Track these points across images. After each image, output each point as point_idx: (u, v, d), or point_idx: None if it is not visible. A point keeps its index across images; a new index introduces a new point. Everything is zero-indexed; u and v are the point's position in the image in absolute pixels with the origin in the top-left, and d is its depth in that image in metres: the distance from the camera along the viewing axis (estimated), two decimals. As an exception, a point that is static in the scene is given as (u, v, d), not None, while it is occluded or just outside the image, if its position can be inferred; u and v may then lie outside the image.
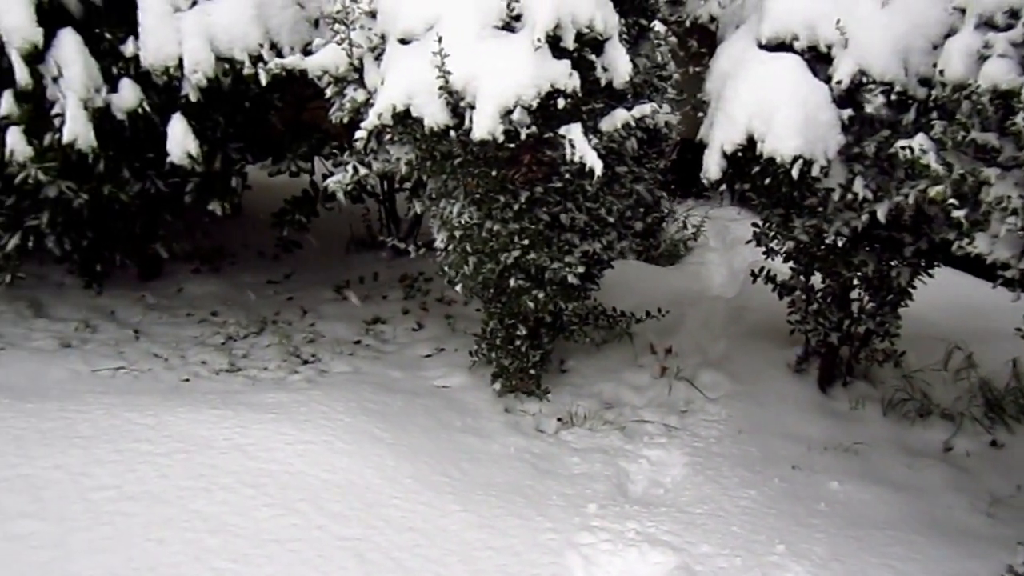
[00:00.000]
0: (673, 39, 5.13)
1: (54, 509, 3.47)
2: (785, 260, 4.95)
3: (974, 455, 4.55)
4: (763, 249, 4.94)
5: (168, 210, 5.83)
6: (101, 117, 4.56)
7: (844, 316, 4.81)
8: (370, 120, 3.89)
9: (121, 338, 5.58)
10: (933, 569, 3.58)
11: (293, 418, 4.33)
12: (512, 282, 4.40)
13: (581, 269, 4.42)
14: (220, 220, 6.23)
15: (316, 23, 4.84)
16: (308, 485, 3.79)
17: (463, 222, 4.21)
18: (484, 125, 3.76)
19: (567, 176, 4.18)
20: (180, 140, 4.68)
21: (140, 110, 4.68)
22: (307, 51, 4.74)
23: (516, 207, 4.13)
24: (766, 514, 3.97)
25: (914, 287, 4.67)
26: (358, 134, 3.99)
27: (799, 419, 4.83)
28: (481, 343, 5.14)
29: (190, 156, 4.69)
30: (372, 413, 4.56)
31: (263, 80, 4.64)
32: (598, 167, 3.82)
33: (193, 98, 4.68)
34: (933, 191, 3.30)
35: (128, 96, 4.65)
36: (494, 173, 4.02)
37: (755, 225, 4.91)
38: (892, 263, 4.52)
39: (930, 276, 4.68)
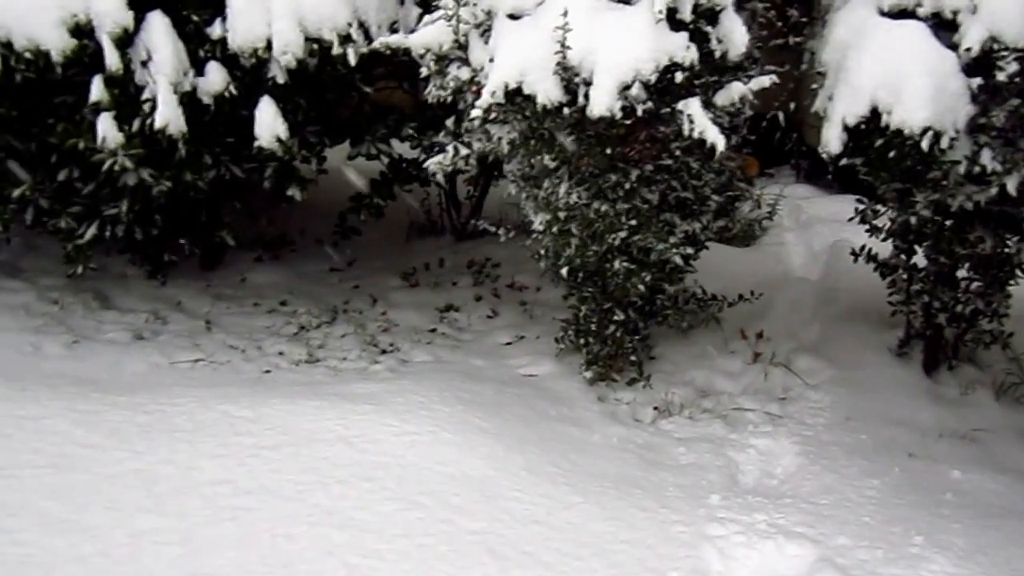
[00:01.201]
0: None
1: (172, 504, 3.34)
2: (886, 238, 4.79)
3: (1097, 440, 4.39)
4: (866, 227, 4.78)
5: (237, 197, 5.66)
6: (187, 102, 4.40)
7: (953, 296, 4.64)
8: (484, 99, 3.74)
9: (193, 329, 5.44)
10: (1081, 559, 3.42)
11: (393, 409, 4.19)
12: (616, 264, 4.24)
13: (689, 250, 4.27)
14: (276, 208, 6.10)
15: (402, 1, 4.68)
16: (424, 478, 3.65)
17: (571, 203, 4.05)
18: (602, 101, 3.61)
19: (677, 153, 4.02)
20: (269, 124, 4.52)
21: (227, 94, 4.52)
22: (393, 29, 4.60)
23: (627, 186, 3.97)
24: (895, 504, 3.81)
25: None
26: (474, 113, 3.83)
27: (907, 405, 4.67)
28: (568, 330, 5.00)
29: (279, 140, 4.54)
30: (468, 403, 4.41)
31: (352, 60, 4.48)
32: (720, 142, 3.67)
33: (281, 80, 4.53)
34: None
35: (215, 79, 4.50)
36: (608, 151, 3.86)
37: (860, 201, 4.76)
38: (1008, 240, 4.35)
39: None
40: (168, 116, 4.26)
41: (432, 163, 4.36)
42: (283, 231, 6.61)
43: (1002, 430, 4.51)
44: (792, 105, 5.33)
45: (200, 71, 4.53)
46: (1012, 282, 4.66)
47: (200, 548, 3.13)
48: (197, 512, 3.32)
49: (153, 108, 4.30)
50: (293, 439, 3.86)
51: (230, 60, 4.54)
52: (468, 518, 3.40)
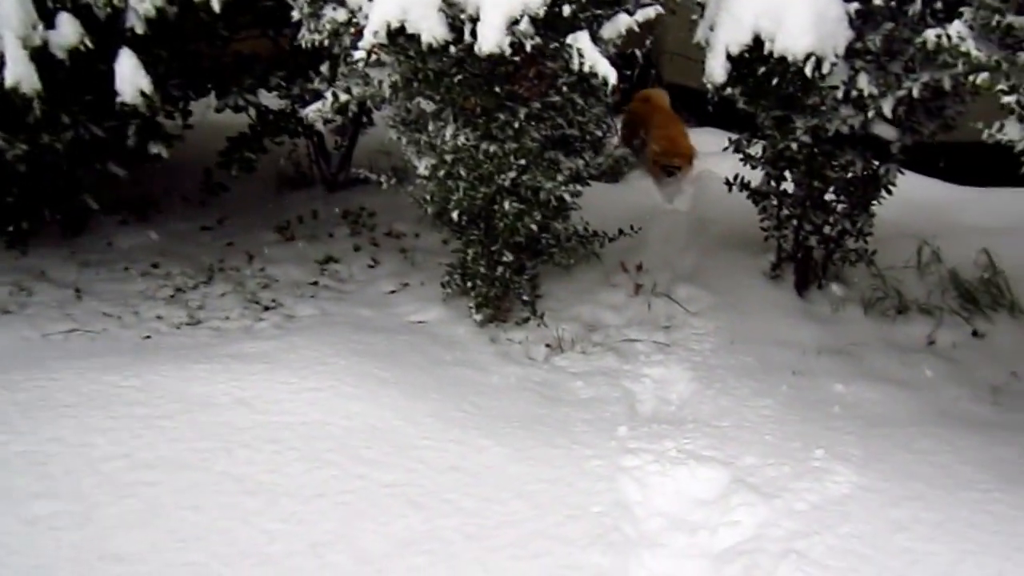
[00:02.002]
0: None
1: (67, 486, 3.16)
2: (757, 167, 4.93)
3: (959, 346, 4.66)
4: (740, 156, 4.90)
5: (97, 158, 5.33)
6: (39, 58, 4.07)
7: (824, 218, 4.82)
8: (366, 39, 3.61)
9: (62, 299, 5.14)
10: (966, 458, 3.61)
11: (288, 366, 4.08)
12: (507, 205, 4.21)
13: (577, 187, 4.27)
14: (139, 168, 5.79)
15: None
16: (331, 434, 3.57)
17: (458, 145, 3.98)
18: (490, 37, 3.55)
19: (564, 89, 3.99)
20: (130, 77, 4.25)
21: (82, 47, 4.20)
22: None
23: (516, 125, 3.93)
24: (791, 420, 3.96)
25: (895, 185, 4.72)
26: (357, 55, 3.69)
27: (784, 325, 4.85)
28: (454, 274, 4.96)
29: (143, 94, 4.27)
30: (363, 354, 4.33)
31: (216, 7, 4.24)
32: (612, 75, 3.67)
33: (140, 30, 4.24)
34: (979, 79, 3.26)
35: (68, 32, 4.17)
36: (496, 89, 3.80)
37: (734, 133, 4.86)
38: (876, 162, 4.54)
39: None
40: (19, 74, 3.94)
41: (310, 111, 4.20)
42: (147, 191, 6.28)
43: (874, 343, 4.73)
44: (649, 41, 5.36)
45: (50, 23, 4.19)
46: (875, 203, 4.88)
47: (103, 529, 2.97)
48: (94, 491, 3.15)
49: (1, 65, 3.96)
50: (187, 406, 3.70)
51: (83, 11, 4.22)
52: (383, 471, 3.35)
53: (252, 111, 5.47)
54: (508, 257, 4.60)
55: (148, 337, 4.75)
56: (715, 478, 3.50)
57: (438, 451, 3.52)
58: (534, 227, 4.28)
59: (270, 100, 5.69)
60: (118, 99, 4.32)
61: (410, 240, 5.96)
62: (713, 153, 6.36)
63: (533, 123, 4.04)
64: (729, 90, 4.31)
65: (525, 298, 4.71)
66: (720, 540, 3.20)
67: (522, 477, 3.41)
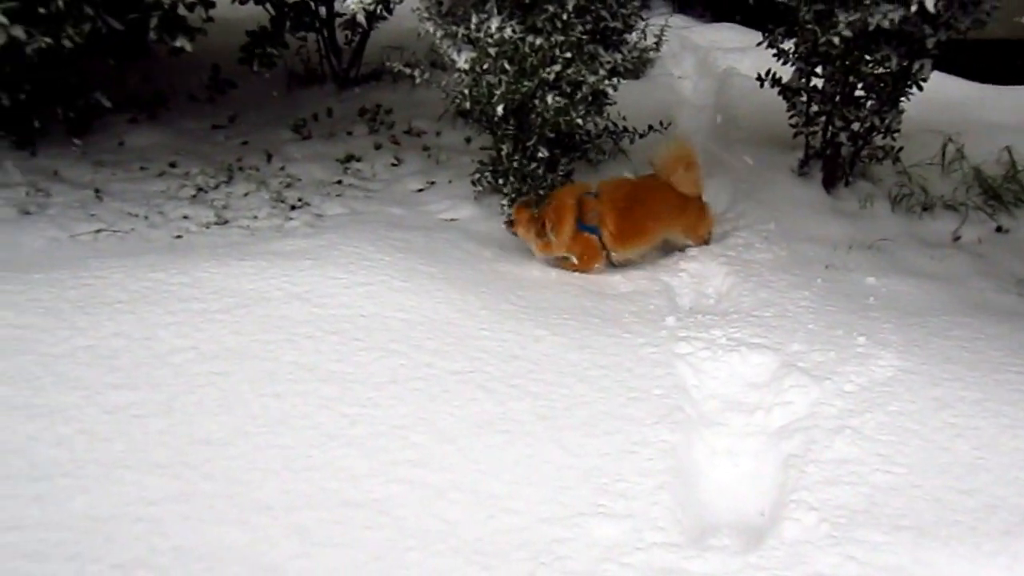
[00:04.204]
0: None
1: (140, 377, 3.18)
2: (788, 63, 4.92)
3: (985, 241, 4.78)
4: (773, 52, 4.89)
5: (110, 53, 5.21)
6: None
7: (855, 115, 4.85)
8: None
9: (83, 199, 5.09)
10: (997, 345, 3.73)
11: (334, 262, 4.08)
12: (549, 99, 4.19)
13: (617, 81, 4.25)
14: (144, 64, 5.68)
15: None
16: (390, 326, 3.60)
17: (504, 37, 3.94)
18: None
19: (611, -20, 3.95)
20: (156, -35, 4.13)
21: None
22: None
23: (564, 17, 3.89)
24: (830, 311, 4.04)
25: (926, 80, 4.74)
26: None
27: (814, 221, 4.93)
28: (484, 171, 4.96)
29: (167, -16, 4.16)
30: (405, 251, 4.35)
31: None
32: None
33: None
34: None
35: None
36: (548, -21, 3.75)
37: (768, 29, 4.83)
38: (910, 58, 4.56)
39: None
40: (42, -37, 3.82)
41: (351, 2, 4.11)
42: (156, 89, 6.17)
43: (901, 238, 4.83)
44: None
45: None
46: (903, 99, 4.91)
47: (187, 416, 3.01)
48: (169, 382, 3.17)
49: (22, -46, 3.85)
50: (242, 300, 3.71)
51: None
52: (448, 359, 3.40)
53: (269, 5, 5.32)
54: (544, 153, 4.59)
55: (179, 236, 4.73)
56: (765, 363, 3.60)
57: (497, 341, 3.58)
58: (580, 121, 4.26)
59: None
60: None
61: (432, 138, 5.93)
62: (735, 48, 6.34)
63: (578, 16, 3.99)
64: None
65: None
66: (775, 419, 3.31)
67: (582, 364, 3.48)
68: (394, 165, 5.68)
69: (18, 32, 4.26)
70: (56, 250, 4.51)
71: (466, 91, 4.37)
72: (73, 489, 2.69)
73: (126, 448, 2.85)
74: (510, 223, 4.46)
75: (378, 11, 6.03)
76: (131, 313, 3.59)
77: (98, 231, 4.70)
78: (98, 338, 3.41)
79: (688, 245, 4.58)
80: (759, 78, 5.08)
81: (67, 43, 4.56)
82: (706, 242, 4.62)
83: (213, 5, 5.17)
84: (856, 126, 4.93)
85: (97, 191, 5.17)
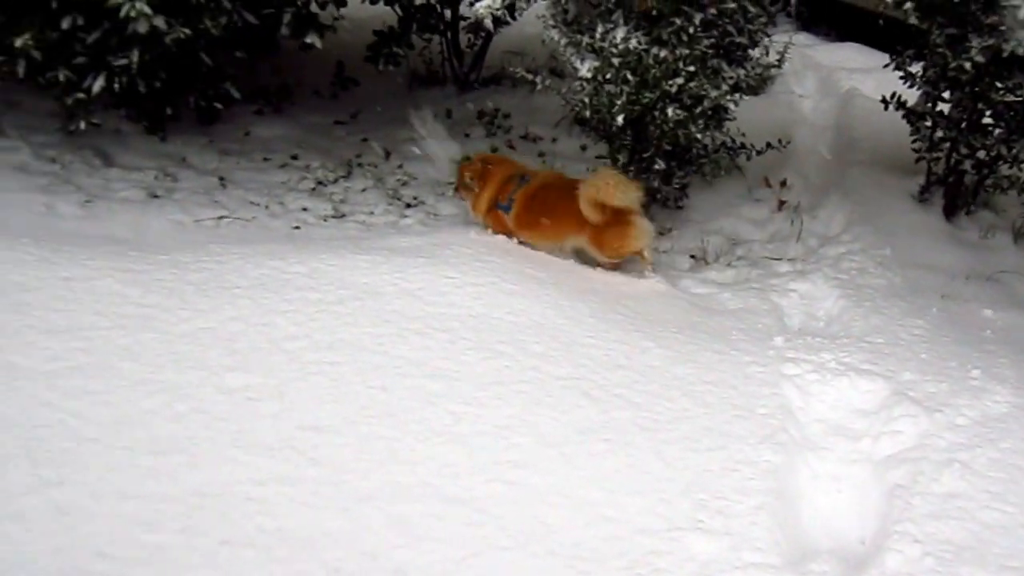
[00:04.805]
0: None
1: (255, 361, 3.28)
2: (916, 86, 4.81)
3: (1115, 280, 4.58)
4: (900, 75, 4.79)
5: (241, 46, 5.40)
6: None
7: (982, 142, 4.71)
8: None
9: (208, 186, 5.28)
10: (1125, 388, 3.60)
11: (446, 261, 4.15)
12: (670, 112, 4.19)
13: (739, 96, 4.23)
14: (271, 58, 5.85)
15: None
16: (498, 327, 3.64)
17: (629, 48, 3.96)
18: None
19: (740, -6, 3.93)
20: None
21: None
22: None
23: (691, 30, 3.88)
24: (944, 341, 3.95)
25: (1062, 109, 4.58)
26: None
27: (932, 249, 4.81)
28: (597, 180, 4.97)
29: (306, -18, 4.29)
30: (514, 253, 4.40)
31: None
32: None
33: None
34: None
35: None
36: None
37: (895, 51, 4.74)
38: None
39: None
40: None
41: (481, 6, 4.18)
42: (282, 83, 6.37)
43: (1022, 271, 4.67)
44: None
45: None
46: (1033, 128, 4.75)
47: (297, 403, 3.10)
48: (283, 368, 3.27)
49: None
50: (356, 293, 3.80)
51: None
52: (553, 364, 3.43)
53: (397, 7, 5.45)
54: (660, 164, 4.58)
55: (297, 227, 4.88)
56: (875, 390, 3.53)
57: (603, 350, 3.59)
58: (699, 135, 4.25)
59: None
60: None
61: (547, 144, 5.97)
62: (859, 69, 6.23)
63: (705, 30, 3.98)
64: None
65: (680, 204, 4.69)
66: (882, 447, 3.26)
67: (687, 378, 3.46)
68: (508, 169, 5.73)
69: (159, 22, 4.45)
70: (180, 233, 4.69)
71: (586, 99, 4.39)
72: (187, 465, 2.78)
73: (238, 429, 2.95)
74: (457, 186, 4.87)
75: (503, 16, 6.13)
76: (249, 299, 3.70)
77: (220, 217, 4.87)
78: (217, 321, 3.53)
79: (600, 263, 4.49)
80: (884, 100, 4.98)
81: (205, 35, 4.73)
82: (615, 266, 4.50)
83: (344, 4, 5.31)
84: (982, 154, 4.79)
85: (222, 179, 5.36)
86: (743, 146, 5.08)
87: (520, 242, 4.56)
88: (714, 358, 3.64)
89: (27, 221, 4.55)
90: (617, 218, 4.33)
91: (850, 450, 3.28)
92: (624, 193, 4.20)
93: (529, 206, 4.54)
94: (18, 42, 4.59)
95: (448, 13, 6.43)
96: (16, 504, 2.54)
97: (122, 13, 4.22)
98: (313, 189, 5.38)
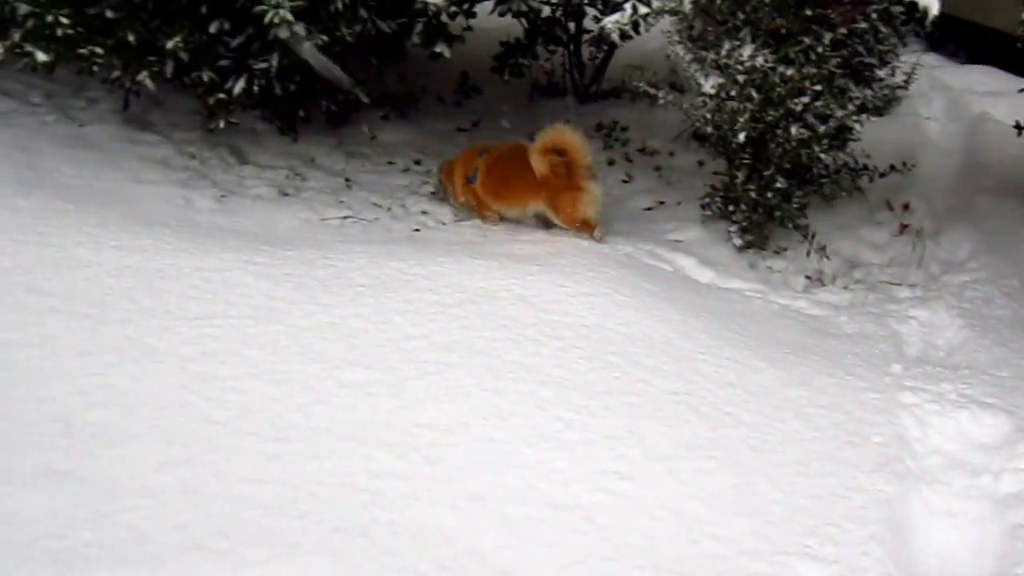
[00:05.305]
0: None
1: (375, 358, 3.40)
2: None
3: None
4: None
5: (373, 53, 5.57)
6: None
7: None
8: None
9: (334, 186, 5.46)
10: None
11: (561, 270, 4.21)
12: (793, 131, 4.16)
13: (864, 117, 4.17)
14: (403, 65, 5.99)
15: None
16: (610, 338, 3.68)
17: (755, 65, 3.94)
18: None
19: (872, 16, 3.87)
20: (434, -24, 4.40)
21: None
22: None
23: (819, 50, 3.85)
24: (1074, 378, 3.80)
25: None
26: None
27: (1064, 281, 4.63)
28: (715, 196, 4.96)
29: (445, -6, 4.42)
30: (629, 266, 4.44)
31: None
32: (934, 6, 3.52)
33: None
34: None
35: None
36: (807, 12, 3.73)
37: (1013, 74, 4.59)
38: None
39: None
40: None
41: (609, 22, 4.24)
42: (409, 90, 6.53)
43: None
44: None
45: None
46: None
47: (413, 401, 3.19)
48: (401, 366, 3.37)
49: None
50: (471, 296, 3.89)
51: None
52: (663, 378, 3.44)
53: (524, 20, 5.54)
54: (781, 183, 4.54)
55: (417, 230, 5.00)
56: (998, 425, 3.43)
57: (715, 367, 3.58)
58: (821, 155, 4.20)
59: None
60: (417, -2, 4.49)
61: (664, 158, 5.97)
62: (990, 92, 6.05)
63: (834, 49, 3.94)
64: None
65: (799, 222, 4.64)
66: (1004, 485, 3.15)
67: (799, 401, 3.43)
68: (625, 182, 5.77)
69: (299, 29, 4.63)
70: (307, 231, 4.87)
71: (708, 115, 4.39)
72: (307, 453, 2.89)
73: (356, 422, 3.06)
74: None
75: (628, 31, 6.17)
76: (371, 297, 3.83)
77: (345, 217, 5.03)
78: (340, 317, 3.66)
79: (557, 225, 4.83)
80: (1017, 126, 4.83)
81: (340, 42, 4.90)
82: (578, 229, 4.79)
83: (474, 15, 5.43)
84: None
85: (347, 180, 5.54)
86: (865, 167, 4.98)
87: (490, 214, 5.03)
88: (828, 382, 3.59)
89: (167, 213, 4.78)
90: (571, 183, 4.66)
91: (969, 485, 3.18)
92: (573, 138, 4.56)
93: (491, 173, 4.92)
94: (169, 44, 4.84)
95: (572, 26, 6.49)
96: (146, 479, 2.69)
97: (266, 19, 4.41)
98: (433, 193, 5.50)
